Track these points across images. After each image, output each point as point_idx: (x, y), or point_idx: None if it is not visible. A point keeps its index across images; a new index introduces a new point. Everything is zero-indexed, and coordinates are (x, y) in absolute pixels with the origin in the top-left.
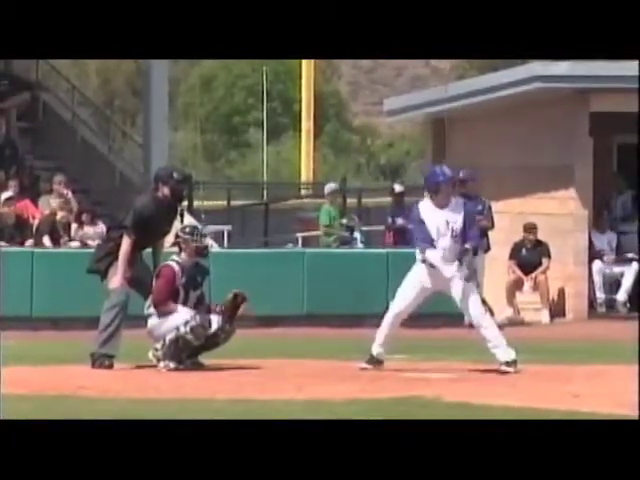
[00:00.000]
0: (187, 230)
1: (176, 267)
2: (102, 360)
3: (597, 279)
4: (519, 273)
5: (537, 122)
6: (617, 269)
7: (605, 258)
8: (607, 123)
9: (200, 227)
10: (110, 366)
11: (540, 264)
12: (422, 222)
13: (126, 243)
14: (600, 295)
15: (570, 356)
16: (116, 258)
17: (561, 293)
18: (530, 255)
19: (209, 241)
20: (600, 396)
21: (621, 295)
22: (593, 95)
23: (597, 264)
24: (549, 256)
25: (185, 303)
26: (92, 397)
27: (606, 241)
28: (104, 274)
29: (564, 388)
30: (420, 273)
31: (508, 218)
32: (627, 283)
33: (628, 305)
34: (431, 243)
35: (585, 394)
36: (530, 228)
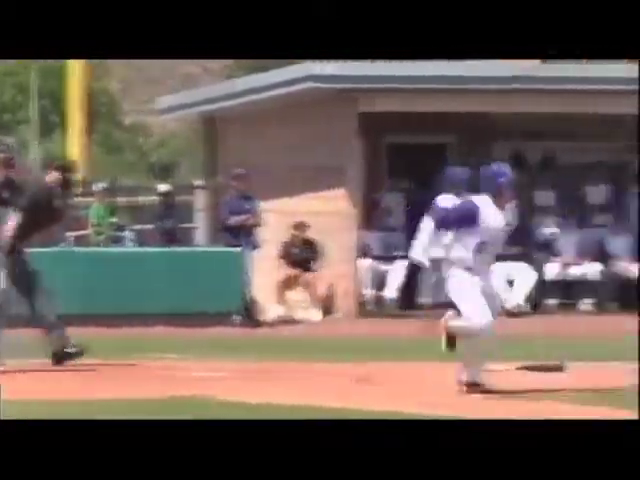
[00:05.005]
0: None
1: None
2: None
3: (365, 277)
4: (290, 271)
5: (308, 122)
6: (384, 267)
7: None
8: (376, 123)
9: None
10: None
11: (310, 262)
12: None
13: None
14: (369, 292)
15: (343, 354)
16: None
17: (330, 291)
18: (301, 253)
19: None
20: (367, 394)
21: (389, 292)
22: (362, 95)
23: (365, 262)
24: (320, 254)
25: None
26: None
27: (376, 239)
28: None
29: (346, 383)
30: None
31: (279, 217)
32: (394, 280)
33: (397, 302)
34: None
35: (355, 392)
36: (300, 227)
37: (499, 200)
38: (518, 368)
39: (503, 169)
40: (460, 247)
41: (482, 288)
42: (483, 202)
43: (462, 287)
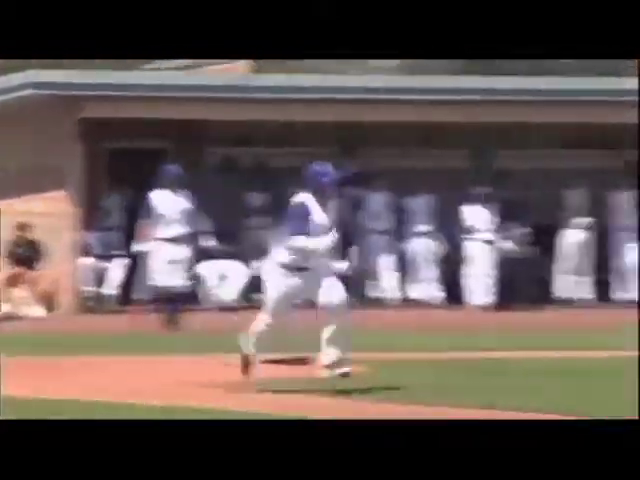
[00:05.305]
0: None
1: None
2: None
3: (86, 274)
4: (14, 269)
5: (32, 126)
6: (103, 264)
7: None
8: (97, 129)
9: None
10: None
11: (34, 261)
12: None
13: None
14: (89, 289)
15: (64, 349)
16: None
17: (53, 288)
18: (24, 253)
19: None
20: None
21: (108, 289)
22: (83, 102)
23: (86, 260)
24: (43, 254)
25: None
26: None
27: (96, 239)
28: None
29: (67, 376)
30: None
31: (3, 218)
32: (113, 278)
33: (116, 298)
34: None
35: (75, 384)
36: (24, 227)
37: (321, 199)
38: (262, 361)
39: (326, 169)
40: (280, 246)
41: (300, 284)
42: (308, 199)
43: (270, 288)
